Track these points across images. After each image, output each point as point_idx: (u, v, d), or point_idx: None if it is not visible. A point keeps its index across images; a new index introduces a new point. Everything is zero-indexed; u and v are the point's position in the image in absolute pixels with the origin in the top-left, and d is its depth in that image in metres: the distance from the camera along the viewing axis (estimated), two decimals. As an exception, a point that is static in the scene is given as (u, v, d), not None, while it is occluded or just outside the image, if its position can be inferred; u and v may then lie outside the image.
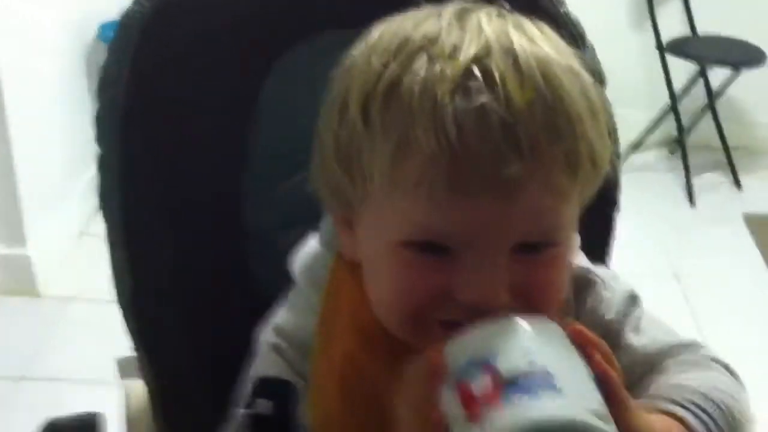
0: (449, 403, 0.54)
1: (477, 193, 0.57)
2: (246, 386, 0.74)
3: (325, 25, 0.90)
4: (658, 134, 3.45)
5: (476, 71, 0.57)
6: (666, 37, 3.26)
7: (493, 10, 0.63)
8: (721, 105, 3.34)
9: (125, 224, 0.93)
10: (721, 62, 3.17)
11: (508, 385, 0.51)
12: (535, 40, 0.60)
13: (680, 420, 0.63)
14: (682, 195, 3.26)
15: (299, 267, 0.77)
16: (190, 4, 0.92)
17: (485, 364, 0.53)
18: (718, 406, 0.64)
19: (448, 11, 0.62)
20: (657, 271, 2.81)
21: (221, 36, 0.91)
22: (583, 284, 0.73)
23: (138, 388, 1.00)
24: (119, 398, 1.04)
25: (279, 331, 0.75)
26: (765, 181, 3.42)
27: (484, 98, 0.56)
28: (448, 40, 0.59)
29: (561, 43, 0.63)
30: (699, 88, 3.30)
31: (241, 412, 0.72)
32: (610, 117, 0.66)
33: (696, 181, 3.25)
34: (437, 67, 0.57)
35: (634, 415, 0.57)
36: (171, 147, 0.92)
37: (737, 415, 0.65)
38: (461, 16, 0.61)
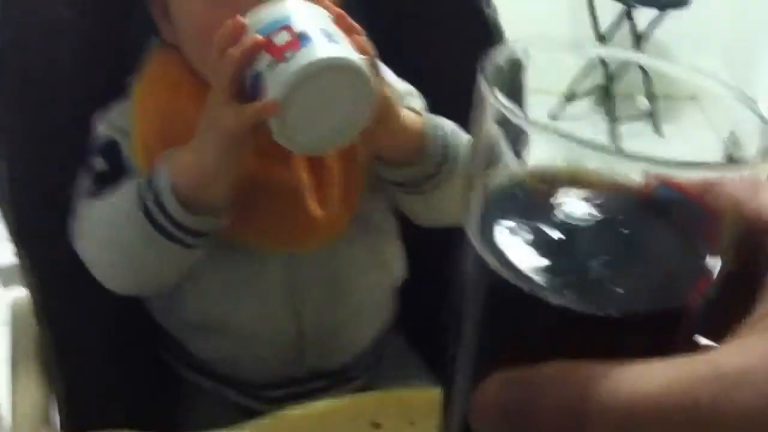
0: (257, 59, 0.71)
1: None
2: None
3: None
4: (587, 82, 3.43)
5: None
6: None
7: None
8: (647, 50, 3.33)
9: None
10: (647, 3, 3.15)
11: (302, 37, 0.71)
12: None
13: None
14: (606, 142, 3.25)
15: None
16: None
17: (282, 26, 0.72)
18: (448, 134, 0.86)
19: None
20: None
21: None
22: None
23: (22, 295, 0.94)
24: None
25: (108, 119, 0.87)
26: (685, 129, 3.45)
27: None
28: None
29: None
30: (626, 32, 3.28)
31: (84, 176, 0.85)
32: None
33: (621, 131, 3.25)
34: None
35: (388, 88, 0.79)
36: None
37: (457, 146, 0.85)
38: None
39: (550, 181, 0.32)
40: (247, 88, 0.72)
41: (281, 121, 0.71)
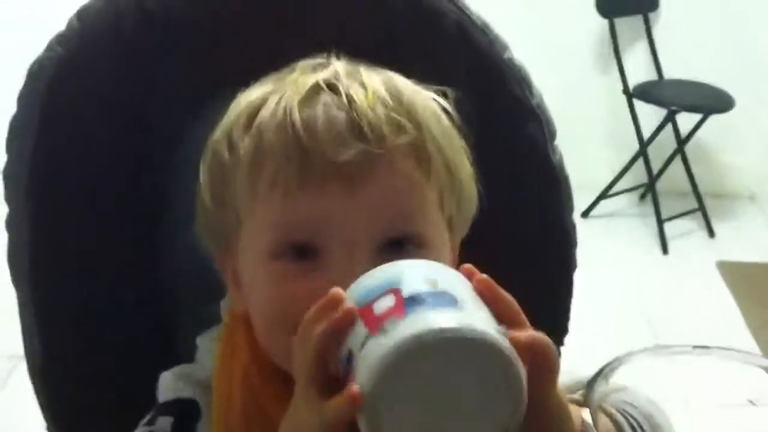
0: (351, 334, 0.51)
1: (325, 181, 0.60)
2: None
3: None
4: (628, 180, 3.40)
5: (323, 84, 0.63)
6: (633, 82, 3.24)
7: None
8: (690, 149, 3.30)
9: (34, 285, 0.86)
10: (690, 108, 3.13)
11: (410, 302, 0.50)
12: (383, 72, 0.66)
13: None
14: (654, 242, 3.20)
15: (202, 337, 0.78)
16: (100, 50, 0.85)
17: (388, 289, 0.51)
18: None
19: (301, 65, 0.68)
20: (629, 318, 2.75)
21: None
22: None
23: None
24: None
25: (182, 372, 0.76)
26: (737, 227, 3.38)
27: (328, 99, 0.62)
28: (301, 79, 0.64)
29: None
30: (668, 133, 3.26)
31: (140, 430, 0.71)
32: (466, 142, 0.69)
33: (668, 228, 3.20)
34: (288, 93, 0.63)
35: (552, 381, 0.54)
36: (81, 203, 0.86)
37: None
38: (315, 67, 0.66)
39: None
40: (339, 377, 0.51)
41: (372, 421, 0.49)
